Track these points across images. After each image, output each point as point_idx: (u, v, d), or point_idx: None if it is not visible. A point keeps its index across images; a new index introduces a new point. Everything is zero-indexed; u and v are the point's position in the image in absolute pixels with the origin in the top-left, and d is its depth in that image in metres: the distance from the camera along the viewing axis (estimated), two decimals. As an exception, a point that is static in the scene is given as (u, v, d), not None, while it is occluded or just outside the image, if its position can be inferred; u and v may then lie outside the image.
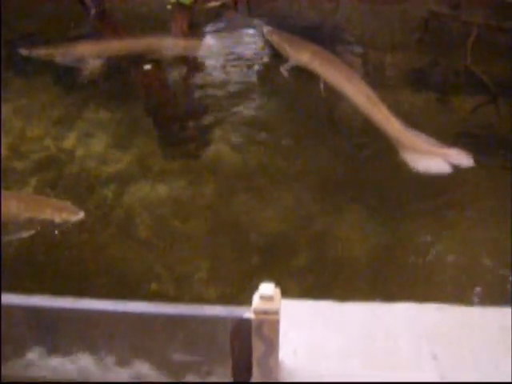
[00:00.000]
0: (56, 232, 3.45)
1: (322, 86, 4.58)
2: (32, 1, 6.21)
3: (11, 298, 1.95)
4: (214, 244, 3.44)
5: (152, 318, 1.97)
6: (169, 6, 5.62)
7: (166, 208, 3.64)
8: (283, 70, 4.81)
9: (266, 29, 5.30)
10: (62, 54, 4.98)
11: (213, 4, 5.78)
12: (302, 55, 4.82)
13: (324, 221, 3.55)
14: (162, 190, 3.77)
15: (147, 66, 4.94)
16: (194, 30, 5.53)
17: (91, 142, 4.17)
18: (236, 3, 5.80)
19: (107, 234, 3.50)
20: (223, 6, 5.77)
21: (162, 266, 3.32)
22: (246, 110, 4.46)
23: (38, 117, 4.44)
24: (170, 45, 5.24)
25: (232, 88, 4.68)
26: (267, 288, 1.87)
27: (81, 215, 3.52)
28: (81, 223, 3.53)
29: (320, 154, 4.02)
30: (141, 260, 3.35)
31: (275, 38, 5.13)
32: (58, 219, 3.46)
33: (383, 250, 3.37)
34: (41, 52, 5.00)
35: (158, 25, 5.58)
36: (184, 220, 3.58)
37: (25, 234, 3.42)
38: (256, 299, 1.88)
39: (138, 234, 3.50)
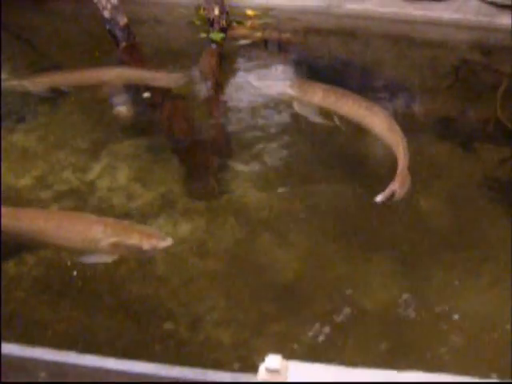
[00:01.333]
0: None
1: (337, 121, 4.62)
2: (67, 30, 6.57)
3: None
4: (232, 285, 3.49)
5: (151, 380, 1.93)
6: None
7: (185, 245, 3.71)
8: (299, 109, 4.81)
9: (260, 83, 5.17)
10: (33, 85, 5.14)
11: (243, 42, 5.99)
12: (314, 95, 4.79)
13: (342, 267, 3.58)
14: (182, 227, 3.86)
15: (146, 94, 5.13)
16: (223, 66, 5.74)
17: (115, 175, 4.31)
18: (266, 42, 6.00)
19: (126, 268, 3.57)
20: (254, 44, 5.98)
21: (177, 305, 3.37)
22: (269, 150, 4.55)
23: (61, 147, 4.59)
24: (138, 75, 5.45)
25: (256, 127, 4.81)
26: (274, 360, 1.82)
27: (169, 242, 3.48)
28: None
29: (342, 197, 4.10)
30: (157, 297, 3.41)
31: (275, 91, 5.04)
32: (146, 246, 3.42)
33: (402, 305, 3.34)
34: (13, 83, 5.18)
35: (187, 60, 5.80)
36: (202, 258, 3.64)
37: (109, 259, 3.46)
38: (262, 371, 1.82)
39: (156, 270, 3.58)
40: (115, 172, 4.35)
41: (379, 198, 3.84)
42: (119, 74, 5.35)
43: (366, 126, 4.48)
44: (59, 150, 4.58)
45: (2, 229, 3.47)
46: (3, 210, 3.58)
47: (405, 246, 3.73)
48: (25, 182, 4.25)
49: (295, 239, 3.78)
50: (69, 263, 3.57)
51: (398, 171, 3.95)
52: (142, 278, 3.55)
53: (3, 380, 1.98)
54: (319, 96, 4.75)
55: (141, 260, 3.60)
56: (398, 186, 3.88)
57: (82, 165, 4.42)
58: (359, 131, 4.64)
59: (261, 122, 4.89)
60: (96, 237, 3.43)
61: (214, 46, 5.92)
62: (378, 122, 4.41)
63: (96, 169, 4.37)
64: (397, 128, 4.28)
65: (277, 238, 3.79)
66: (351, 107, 4.58)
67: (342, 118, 4.63)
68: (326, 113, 4.72)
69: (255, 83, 5.11)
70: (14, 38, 6.39)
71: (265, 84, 5.10)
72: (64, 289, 3.47)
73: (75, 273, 3.51)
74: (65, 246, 3.52)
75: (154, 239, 3.45)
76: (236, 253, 3.72)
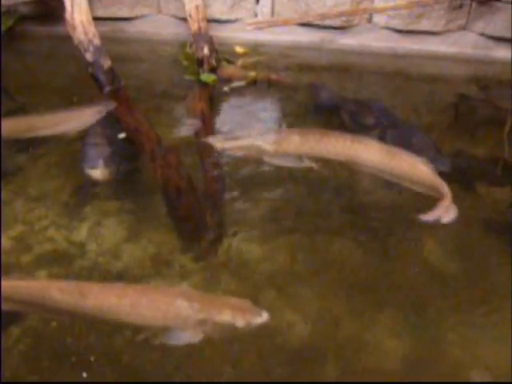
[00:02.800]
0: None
1: (314, 166, 4.53)
2: (42, 72, 6.46)
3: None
4: (236, 349, 3.32)
5: None
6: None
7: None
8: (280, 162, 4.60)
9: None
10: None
11: (237, 84, 5.91)
12: (290, 143, 4.60)
13: (352, 325, 3.46)
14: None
15: (121, 135, 4.95)
16: (214, 109, 5.66)
17: (102, 234, 4.15)
18: (256, 83, 5.94)
19: (121, 339, 3.39)
20: (246, 85, 5.92)
21: (181, 376, 3.21)
22: (267, 199, 4.45)
23: (44, 203, 4.43)
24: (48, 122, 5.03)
25: (250, 175, 4.70)
26: None
27: (264, 317, 3.20)
28: (85, 325, 3.40)
29: (346, 248, 3.98)
30: (157, 370, 3.23)
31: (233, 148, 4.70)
32: (240, 323, 3.12)
33: (418, 363, 3.25)
34: None
35: (176, 103, 5.72)
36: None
37: (195, 338, 3.17)
38: None
39: (154, 339, 3.44)
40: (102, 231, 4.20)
41: (426, 218, 3.99)
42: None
43: (360, 159, 4.43)
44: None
45: (57, 306, 3.24)
46: (57, 283, 3.36)
47: (415, 298, 3.64)
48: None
49: (300, 295, 3.66)
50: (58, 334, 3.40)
51: (445, 191, 4.09)
52: (143, 347, 3.35)
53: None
54: (296, 141, 4.59)
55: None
56: (445, 209, 4.04)
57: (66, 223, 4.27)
58: (356, 175, 4.60)
59: (257, 170, 4.75)
60: (180, 313, 3.16)
61: (202, 88, 5.84)
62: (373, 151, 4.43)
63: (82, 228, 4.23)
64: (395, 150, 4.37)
65: (280, 295, 3.65)
66: (337, 143, 4.49)
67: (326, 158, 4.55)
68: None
69: (217, 144, 4.74)
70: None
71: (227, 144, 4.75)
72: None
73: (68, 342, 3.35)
74: (142, 324, 3.24)
75: (248, 314, 3.16)
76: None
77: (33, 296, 3.29)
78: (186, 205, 4.50)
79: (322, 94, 5.82)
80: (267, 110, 5.67)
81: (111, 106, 5.31)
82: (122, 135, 4.97)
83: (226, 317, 3.12)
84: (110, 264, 3.91)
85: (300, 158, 4.56)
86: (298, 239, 4.11)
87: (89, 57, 5.70)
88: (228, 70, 6.08)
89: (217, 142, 4.66)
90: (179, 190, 4.47)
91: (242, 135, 4.73)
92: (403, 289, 3.70)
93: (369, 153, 4.41)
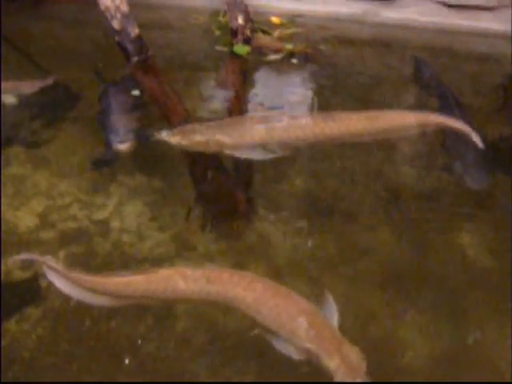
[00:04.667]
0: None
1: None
2: (68, 38, 6.47)
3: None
4: (261, 341, 3.27)
5: None
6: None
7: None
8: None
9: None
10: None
11: (273, 57, 5.84)
12: (254, 135, 4.38)
13: (384, 319, 3.43)
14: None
15: (135, 92, 5.02)
16: (247, 83, 5.60)
17: (126, 212, 4.16)
18: (307, 56, 5.86)
19: (143, 325, 3.41)
20: (282, 59, 5.84)
21: (200, 368, 3.21)
22: (300, 181, 4.41)
23: (67, 178, 4.45)
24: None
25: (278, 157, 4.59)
26: None
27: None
28: (111, 310, 3.45)
29: (381, 237, 3.93)
30: (177, 358, 3.24)
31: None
32: (338, 375, 2.91)
33: (450, 365, 3.21)
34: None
35: (206, 75, 5.68)
36: (226, 313, 3.46)
37: (297, 356, 3.07)
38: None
39: (176, 327, 3.42)
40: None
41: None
42: None
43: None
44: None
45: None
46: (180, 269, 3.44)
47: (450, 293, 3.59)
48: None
49: (330, 285, 3.59)
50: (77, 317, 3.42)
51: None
52: (160, 334, 3.36)
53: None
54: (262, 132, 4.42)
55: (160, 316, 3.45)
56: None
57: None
58: (393, 159, 4.55)
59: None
60: (295, 332, 3.10)
61: (235, 60, 5.77)
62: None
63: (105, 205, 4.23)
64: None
65: (310, 284, 3.61)
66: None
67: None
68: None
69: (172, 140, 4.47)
70: (9, 46, 6.29)
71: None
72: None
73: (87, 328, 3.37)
74: (258, 321, 3.22)
75: (352, 373, 2.94)
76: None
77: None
78: (214, 183, 4.47)
79: (424, 69, 5.75)
80: (303, 85, 5.58)
81: (49, 81, 5.43)
82: (135, 92, 5.05)
83: (328, 362, 2.97)
84: (133, 245, 3.91)
85: (266, 148, 4.39)
86: (330, 225, 4.06)
87: (116, 24, 5.61)
88: (263, 41, 5.95)
89: (171, 138, 4.41)
90: (207, 167, 4.43)
91: (198, 129, 4.44)
92: (438, 283, 3.64)
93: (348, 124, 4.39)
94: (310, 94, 5.45)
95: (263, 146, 4.37)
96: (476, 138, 4.37)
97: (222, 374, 3.20)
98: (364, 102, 5.14)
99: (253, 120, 4.54)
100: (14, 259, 3.63)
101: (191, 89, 5.45)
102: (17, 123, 5.06)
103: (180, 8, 6.96)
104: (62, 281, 3.38)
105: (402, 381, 3.15)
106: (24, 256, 3.62)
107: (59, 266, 3.39)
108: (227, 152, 4.36)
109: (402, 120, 4.54)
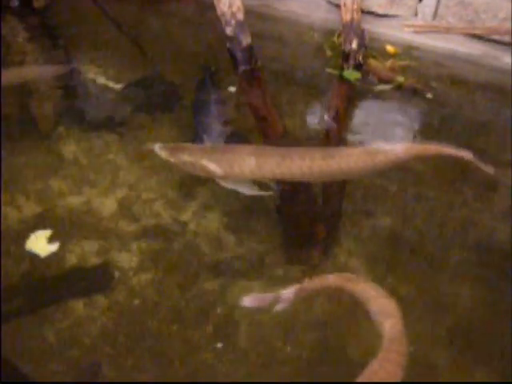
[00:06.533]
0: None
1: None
2: (181, 36, 6.68)
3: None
4: (317, 371, 3.32)
5: None
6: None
7: (271, 320, 3.55)
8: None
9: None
10: None
11: (382, 87, 5.81)
12: (243, 166, 4.05)
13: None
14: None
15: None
16: (351, 110, 5.60)
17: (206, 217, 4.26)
18: (416, 91, 5.80)
19: (201, 333, 3.49)
20: (394, 90, 5.79)
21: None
22: (387, 217, 4.35)
23: (155, 173, 4.58)
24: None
25: (373, 185, 4.59)
26: None
27: None
28: (169, 311, 3.56)
29: (462, 292, 3.82)
30: (233, 374, 3.29)
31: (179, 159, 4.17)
32: None
33: None
34: None
35: (312, 95, 5.73)
36: (288, 340, 3.48)
37: None
38: None
39: (236, 342, 3.46)
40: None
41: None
42: None
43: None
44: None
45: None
46: None
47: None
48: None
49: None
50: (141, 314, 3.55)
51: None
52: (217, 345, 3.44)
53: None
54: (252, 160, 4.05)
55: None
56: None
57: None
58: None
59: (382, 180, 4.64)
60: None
61: (342, 84, 5.78)
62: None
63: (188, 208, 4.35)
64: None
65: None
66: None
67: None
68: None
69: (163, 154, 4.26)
70: (123, 35, 6.63)
71: None
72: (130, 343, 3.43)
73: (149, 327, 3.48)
74: None
75: None
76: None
77: None
78: (299, 207, 4.46)
79: None
80: (407, 121, 5.52)
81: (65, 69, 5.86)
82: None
83: None
84: (210, 252, 4.01)
85: (256, 182, 4.17)
86: (410, 272, 3.98)
87: (229, 31, 5.72)
88: (375, 69, 5.92)
89: (163, 152, 4.19)
90: (295, 191, 4.46)
91: (190, 149, 4.21)
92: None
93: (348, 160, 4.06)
94: (411, 131, 5.39)
95: (253, 181, 4.17)
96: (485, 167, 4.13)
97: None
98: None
99: (247, 150, 4.14)
100: None
101: (294, 106, 5.50)
102: (116, 110, 5.31)
103: (296, 23, 7.03)
104: None
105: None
106: None
107: None
108: (217, 180, 4.17)
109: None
